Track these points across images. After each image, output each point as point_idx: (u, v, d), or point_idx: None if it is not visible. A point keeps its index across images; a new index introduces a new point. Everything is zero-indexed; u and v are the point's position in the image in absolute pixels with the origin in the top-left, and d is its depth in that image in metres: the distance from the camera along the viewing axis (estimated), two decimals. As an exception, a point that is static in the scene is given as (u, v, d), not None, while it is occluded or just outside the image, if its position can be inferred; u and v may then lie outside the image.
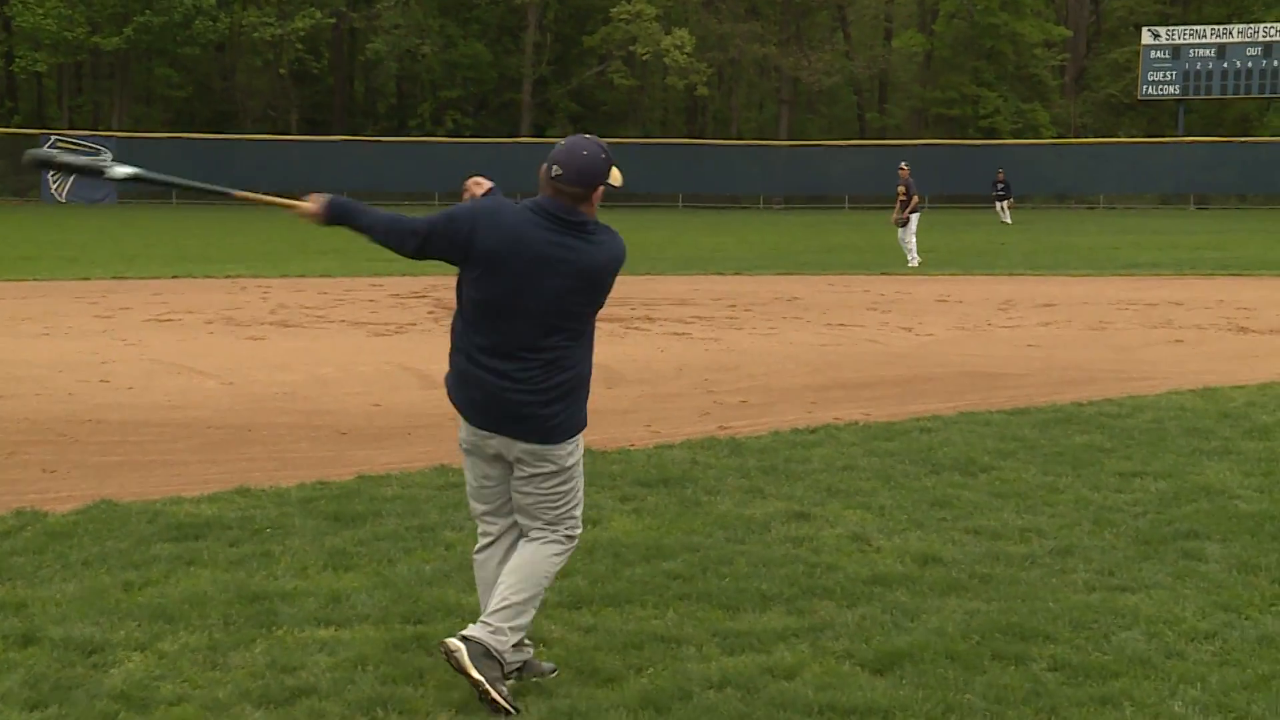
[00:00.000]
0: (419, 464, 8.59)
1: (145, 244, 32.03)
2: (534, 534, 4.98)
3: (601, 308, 4.94)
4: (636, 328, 16.25)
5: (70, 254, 27.98)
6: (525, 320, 4.77)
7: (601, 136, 5.15)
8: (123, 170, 4.90)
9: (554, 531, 4.97)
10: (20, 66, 60.48)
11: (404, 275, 23.35)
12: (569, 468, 4.94)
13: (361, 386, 11.84)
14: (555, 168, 4.73)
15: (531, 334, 4.78)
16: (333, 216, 4.85)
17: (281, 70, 64.68)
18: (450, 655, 4.76)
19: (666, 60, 62.39)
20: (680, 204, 60.03)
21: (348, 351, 13.99)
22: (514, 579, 4.88)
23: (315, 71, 67.00)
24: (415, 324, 16.58)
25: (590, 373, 4.97)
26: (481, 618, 4.89)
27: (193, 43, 60.56)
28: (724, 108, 72.87)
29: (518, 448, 4.87)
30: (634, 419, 10.35)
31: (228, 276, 23.15)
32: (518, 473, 4.92)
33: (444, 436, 9.43)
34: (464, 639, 4.78)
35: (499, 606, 4.84)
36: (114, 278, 22.71)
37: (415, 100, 68.59)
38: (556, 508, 4.95)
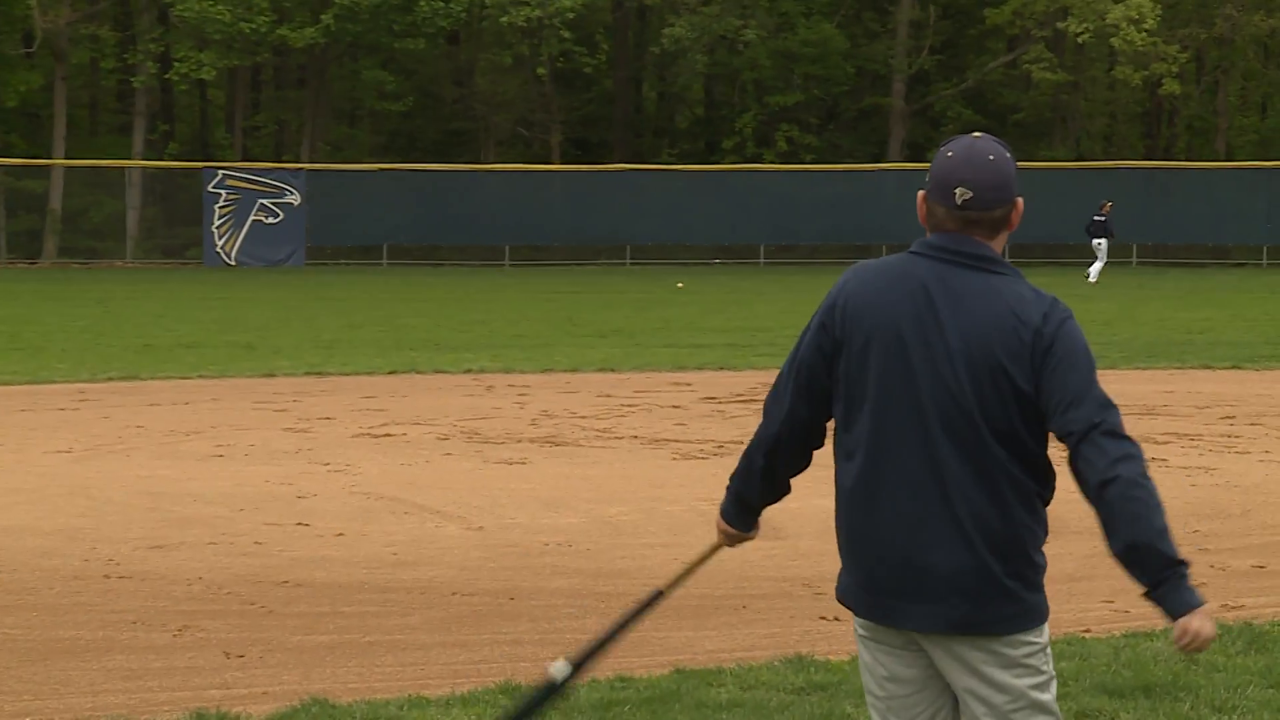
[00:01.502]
0: (762, 652, 8.61)
1: (349, 324, 33.36)
2: None
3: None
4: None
5: (246, 339, 29.36)
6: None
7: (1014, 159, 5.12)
8: (561, 667, 5.18)
9: None
10: (179, 73, 63.09)
11: (720, 370, 23.58)
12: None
13: (668, 534, 11.95)
14: (961, 190, 4.75)
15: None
16: (731, 514, 5.21)
17: (540, 70, 66.67)
18: None
19: (1116, 41, 61.64)
20: (1134, 259, 58.99)
21: (646, 482, 14.16)
22: None
23: (588, 71, 68.88)
24: (741, 440, 16.70)
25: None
26: None
27: (416, 32, 62.54)
28: (1204, 112, 71.53)
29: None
30: (1088, 590, 10.14)
31: (468, 371, 23.83)
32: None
33: (797, 611, 9.43)
34: None
35: None
36: (308, 373, 23.67)
37: (733, 110, 69.85)
38: None
